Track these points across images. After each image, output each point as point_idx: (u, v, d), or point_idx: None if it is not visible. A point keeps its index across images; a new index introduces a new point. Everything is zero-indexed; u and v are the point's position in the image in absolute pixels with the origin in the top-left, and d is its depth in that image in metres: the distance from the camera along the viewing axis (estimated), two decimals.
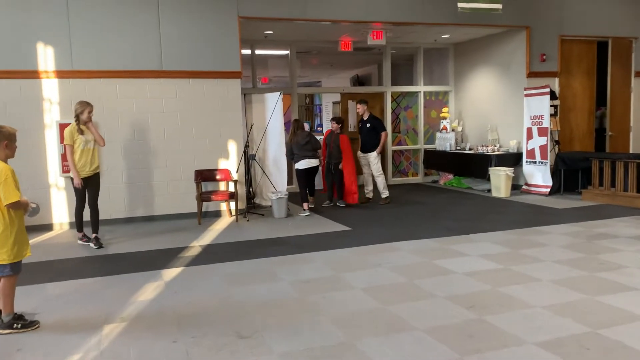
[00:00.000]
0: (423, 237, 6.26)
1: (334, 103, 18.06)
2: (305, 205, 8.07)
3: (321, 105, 20.46)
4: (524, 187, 9.65)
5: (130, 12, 7.42)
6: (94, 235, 6.28)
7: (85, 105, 6.09)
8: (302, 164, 8.15)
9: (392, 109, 11.39)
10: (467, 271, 4.82)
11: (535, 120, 9.33)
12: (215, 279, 4.84)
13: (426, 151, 11.49)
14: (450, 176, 11.07)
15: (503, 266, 4.96)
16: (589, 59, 10.16)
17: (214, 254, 5.79)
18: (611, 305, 3.88)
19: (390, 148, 11.41)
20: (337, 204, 8.65)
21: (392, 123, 11.38)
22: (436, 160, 11.21)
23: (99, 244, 6.20)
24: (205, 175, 7.82)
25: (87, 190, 6.22)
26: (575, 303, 3.96)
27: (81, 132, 6.06)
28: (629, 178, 7.89)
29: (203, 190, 7.79)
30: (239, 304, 4.15)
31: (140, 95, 7.59)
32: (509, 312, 3.81)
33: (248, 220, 7.63)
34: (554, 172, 9.18)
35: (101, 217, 6.84)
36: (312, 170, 8.31)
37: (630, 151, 10.12)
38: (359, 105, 8.84)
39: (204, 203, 7.74)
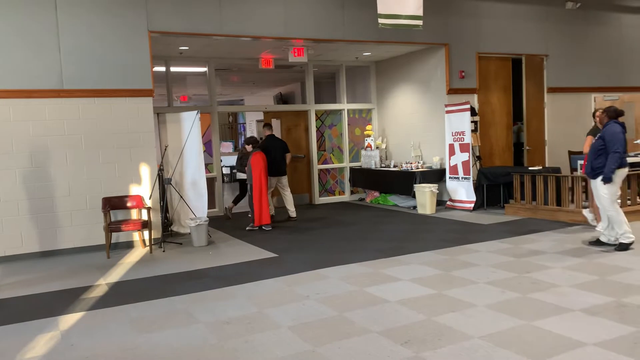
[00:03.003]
0: (352, 261, 5.95)
1: (258, 121, 17.66)
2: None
3: (245, 123, 20.01)
4: (448, 202, 9.66)
5: (23, 23, 6.66)
6: None
7: None
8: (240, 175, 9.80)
9: (316, 127, 11.15)
10: (400, 299, 4.53)
11: (456, 137, 9.38)
12: (121, 325, 4.24)
13: (352, 169, 11.32)
14: (377, 194, 10.94)
15: (436, 291, 4.72)
16: (505, 76, 10.42)
17: (122, 293, 5.15)
18: (550, 331, 3.69)
19: (316, 167, 11.14)
20: (263, 227, 8.23)
21: (317, 141, 11.13)
22: (362, 178, 11.06)
23: None
24: (115, 203, 7.12)
25: None
26: (513, 331, 3.74)
27: None
28: (549, 192, 8.03)
29: (112, 219, 7.09)
30: (145, 357, 3.60)
31: (37, 117, 6.81)
32: (447, 346, 3.53)
33: (164, 251, 7.01)
34: (477, 188, 9.25)
35: None
36: (243, 181, 9.66)
37: (546, 164, 10.41)
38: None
39: (114, 234, 7.04)
